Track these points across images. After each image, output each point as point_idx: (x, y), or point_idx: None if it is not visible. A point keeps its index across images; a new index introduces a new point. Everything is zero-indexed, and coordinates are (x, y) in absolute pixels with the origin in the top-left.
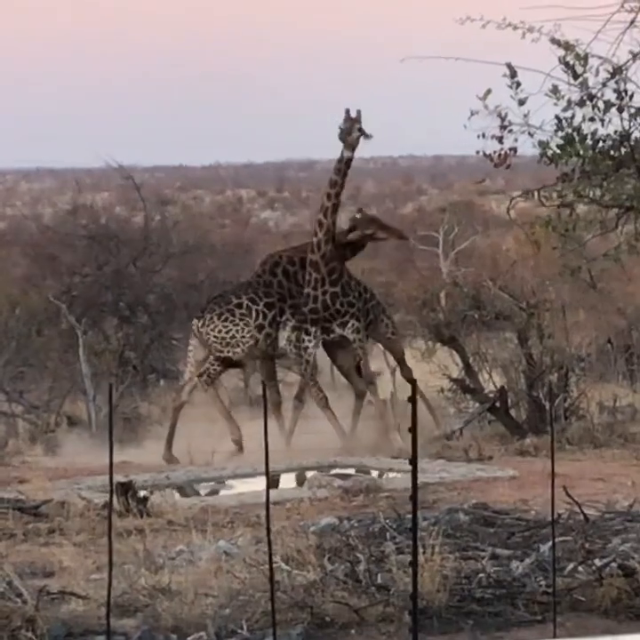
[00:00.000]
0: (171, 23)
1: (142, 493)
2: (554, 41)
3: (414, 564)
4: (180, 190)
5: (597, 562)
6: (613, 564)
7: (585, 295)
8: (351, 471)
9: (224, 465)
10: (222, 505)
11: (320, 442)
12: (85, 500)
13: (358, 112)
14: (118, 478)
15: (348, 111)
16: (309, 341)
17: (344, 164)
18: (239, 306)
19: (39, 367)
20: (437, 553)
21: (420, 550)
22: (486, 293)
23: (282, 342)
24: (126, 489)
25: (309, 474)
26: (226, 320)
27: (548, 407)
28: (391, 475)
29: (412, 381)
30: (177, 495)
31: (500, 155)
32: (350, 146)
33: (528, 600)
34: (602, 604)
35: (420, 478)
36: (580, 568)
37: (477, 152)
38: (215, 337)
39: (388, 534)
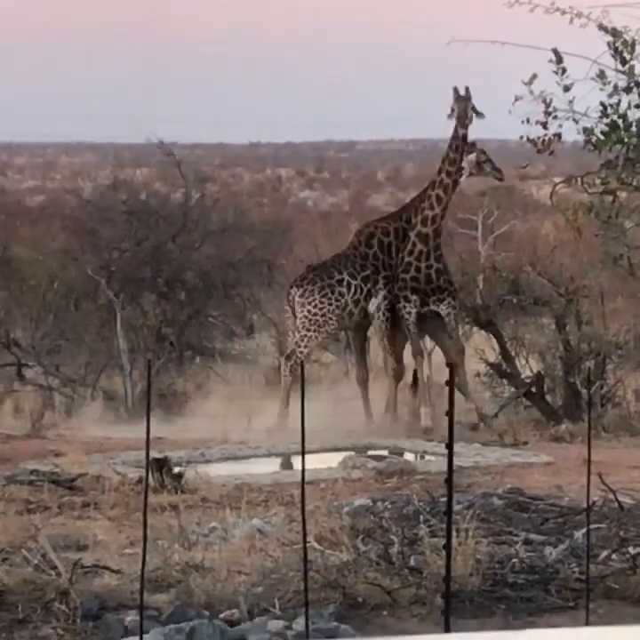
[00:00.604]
0: (213, 5)
1: (177, 469)
2: (602, 27)
3: (448, 547)
4: (219, 168)
5: (632, 550)
6: None
7: (624, 282)
8: (385, 453)
9: (259, 443)
10: (256, 483)
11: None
12: (120, 474)
13: (467, 89)
14: (153, 454)
15: (456, 89)
16: (409, 310)
17: (461, 141)
18: (340, 282)
19: (76, 341)
20: (471, 537)
21: (454, 534)
22: (525, 278)
23: (371, 309)
24: (161, 465)
25: (343, 454)
26: (325, 296)
27: (584, 394)
28: (426, 457)
29: (451, 365)
30: (211, 472)
31: (543, 140)
32: (463, 123)
33: (561, 586)
34: (635, 592)
35: (455, 462)
36: (614, 556)
37: (521, 137)
38: (309, 311)
39: (421, 517)
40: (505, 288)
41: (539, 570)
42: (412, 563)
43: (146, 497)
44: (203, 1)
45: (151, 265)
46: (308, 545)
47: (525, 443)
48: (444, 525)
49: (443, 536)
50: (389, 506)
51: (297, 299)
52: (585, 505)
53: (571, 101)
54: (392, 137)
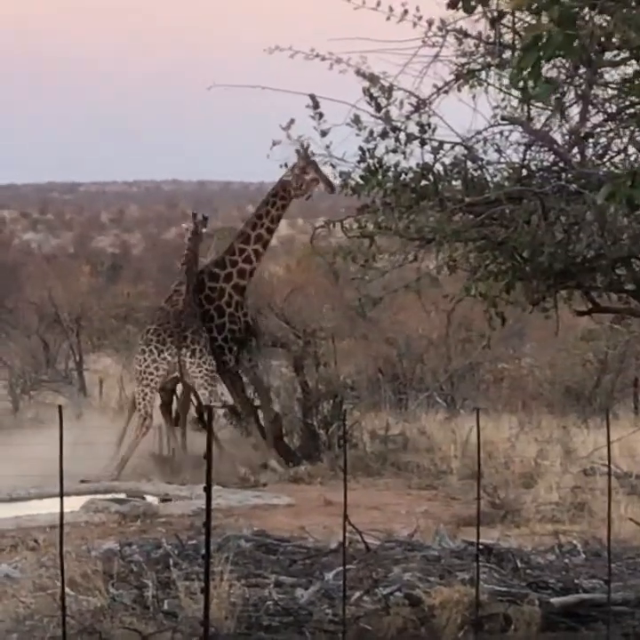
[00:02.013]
0: None
1: None
2: (359, 73)
3: (206, 590)
4: None
5: (383, 590)
6: (399, 593)
7: (354, 324)
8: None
9: None
10: None
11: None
12: None
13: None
14: None
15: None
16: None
17: (289, 200)
18: None
19: None
20: (225, 580)
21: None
22: (263, 320)
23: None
24: None
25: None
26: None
27: (321, 435)
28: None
29: (209, 408)
30: None
31: (301, 184)
32: (304, 189)
33: (315, 628)
34: (388, 633)
35: (197, 504)
36: (366, 597)
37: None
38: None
39: (171, 560)
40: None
41: (292, 612)
42: (165, 607)
43: None
44: None
45: None
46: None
47: (265, 484)
48: (196, 568)
49: (195, 579)
50: (138, 549)
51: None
52: (330, 546)
53: (328, 146)
54: (115, 179)
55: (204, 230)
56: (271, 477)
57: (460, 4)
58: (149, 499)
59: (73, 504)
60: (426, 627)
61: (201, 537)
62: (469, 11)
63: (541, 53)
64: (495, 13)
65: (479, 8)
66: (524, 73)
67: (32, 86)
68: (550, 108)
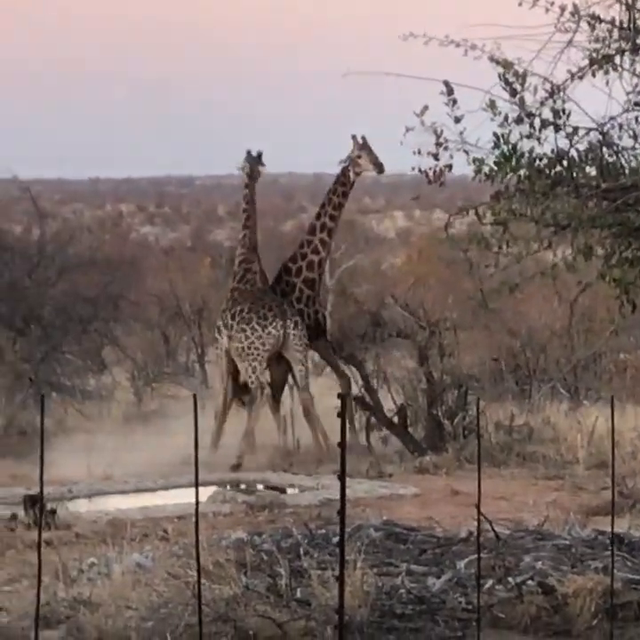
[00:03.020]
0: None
1: (50, 506)
2: (493, 59)
3: (341, 578)
4: (59, 203)
5: (514, 579)
6: (531, 582)
7: (474, 315)
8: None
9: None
10: (128, 518)
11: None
12: None
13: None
14: (21, 491)
15: (354, 137)
16: None
17: (350, 188)
18: None
19: None
20: (358, 568)
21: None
22: (388, 311)
23: None
24: (34, 501)
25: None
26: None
27: (446, 425)
28: (291, 491)
29: (343, 396)
30: (81, 508)
31: (434, 171)
32: (360, 172)
33: (448, 616)
34: (522, 621)
35: (324, 494)
36: (498, 585)
37: (413, 168)
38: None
39: (301, 549)
40: (367, 321)
41: (425, 600)
42: (298, 595)
43: (40, 533)
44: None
45: (7, 301)
46: (192, 579)
47: (390, 475)
48: (326, 557)
49: (327, 567)
50: (268, 539)
51: None
52: (460, 535)
53: (461, 132)
54: (231, 172)
55: (259, 168)
56: (396, 468)
57: None
58: (275, 489)
59: (199, 495)
60: (559, 615)
61: (330, 526)
62: None
63: None
64: None
65: None
66: None
67: (152, 79)
68: None
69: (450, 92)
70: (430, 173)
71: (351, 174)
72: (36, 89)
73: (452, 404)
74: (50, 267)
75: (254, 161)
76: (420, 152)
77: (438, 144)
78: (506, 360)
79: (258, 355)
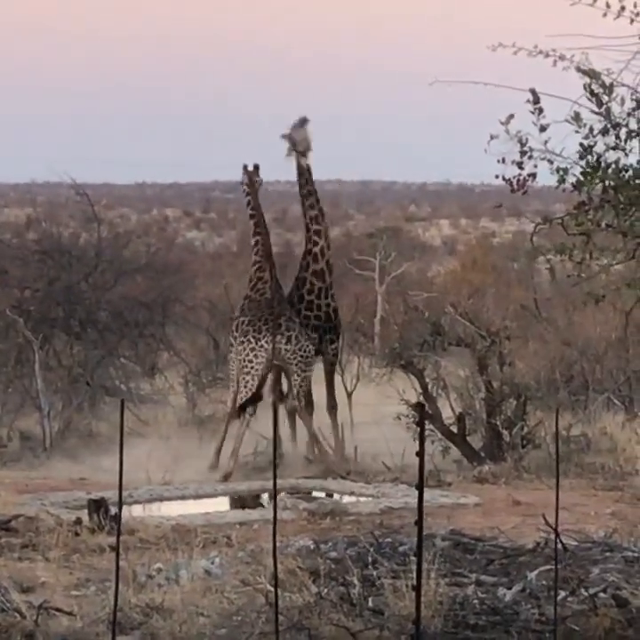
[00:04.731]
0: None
1: (114, 510)
2: (579, 70)
3: (418, 588)
4: (105, 208)
5: (587, 591)
6: (603, 594)
7: (529, 325)
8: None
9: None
10: (191, 524)
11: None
12: (54, 515)
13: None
14: (82, 495)
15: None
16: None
17: (307, 172)
18: None
19: None
20: (432, 578)
21: (412, 575)
22: (447, 319)
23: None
24: (98, 506)
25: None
26: None
27: (505, 435)
28: (348, 498)
29: (420, 405)
30: (142, 513)
31: (518, 180)
32: (305, 154)
33: (522, 628)
34: (596, 634)
35: (384, 502)
36: (570, 597)
37: (497, 177)
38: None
39: (369, 558)
40: (428, 329)
41: (498, 611)
42: (371, 604)
43: (119, 538)
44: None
45: (63, 305)
46: (260, 585)
47: (450, 484)
48: (394, 566)
49: (400, 576)
50: (333, 546)
51: None
52: (526, 546)
53: (546, 142)
54: (278, 178)
55: (257, 179)
56: (455, 477)
57: None
58: (336, 496)
59: (260, 501)
60: (634, 628)
61: (395, 535)
62: None
63: None
64: None
65: None
66: None
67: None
68: None
69: (536, 100)
70: (514, 182)
71: (297, 159)
72: (84, 93)
73: (511, 413)
74: (107, 270)
75: (251, 173)
76: (503, 160)
77: (522, 152)
78: (560, 370)
79: (252, 368)
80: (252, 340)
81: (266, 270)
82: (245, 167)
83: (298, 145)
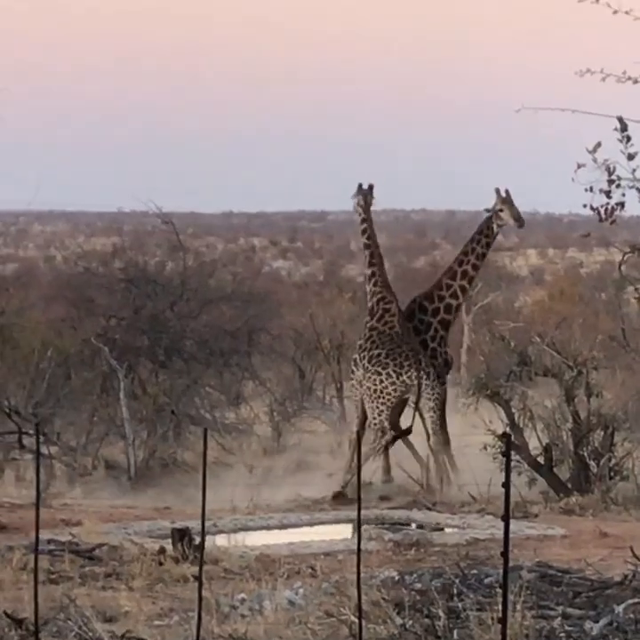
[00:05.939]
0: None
1: (197, 540)
2: None
3: (504, 621)
4: (192, 237)
5: None
6: None
7: (618, 356)
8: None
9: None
10: (275, 554)
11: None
12: (138, 544)
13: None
14: (166, 524)
15: (498, 191)
16: None
17: (493, 239)
18: None
19: (72, 410)
20: (517, 611)
21: (497, 607)
22: (534, 349)
23: None
24: (182, 535)
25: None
26: None
27: (592, 466)
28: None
29: (507, 436)
30: (226, 543)
31: (606, 209)
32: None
33: None
34: None
35: (470, 534)
36: None
37: (585, 206)
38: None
39: (454, 589)
40: (514, 359)
41: None
42: (455, 636)
43: (202, 568)
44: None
45: (149, 334)
46: (349, 617)
47: (536, 515)
48: (480, 598)
49: (487, 609)
50: (418, 578)
51: None
52: (613, 578)
53: (634, 170)
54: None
55: (373, 200)
56: (541, 508)
57: None
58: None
59: (344, 531)
60: None
61: (480, 566)
62: None
63: None
64: None
65: None
66: None
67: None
68: None
69: (623, 128)
70: (602, 211)
71: (494, 226)
72: (170, 122)
73: (599, 444)
74: (192, 299)
75: (366, 193)
76: (591, 189)
77: (610, 181)
78: None
79: (388, 400)
80: (393, 373)
81: (392, 303)
82: (360, 186)
83: (505, 222)
